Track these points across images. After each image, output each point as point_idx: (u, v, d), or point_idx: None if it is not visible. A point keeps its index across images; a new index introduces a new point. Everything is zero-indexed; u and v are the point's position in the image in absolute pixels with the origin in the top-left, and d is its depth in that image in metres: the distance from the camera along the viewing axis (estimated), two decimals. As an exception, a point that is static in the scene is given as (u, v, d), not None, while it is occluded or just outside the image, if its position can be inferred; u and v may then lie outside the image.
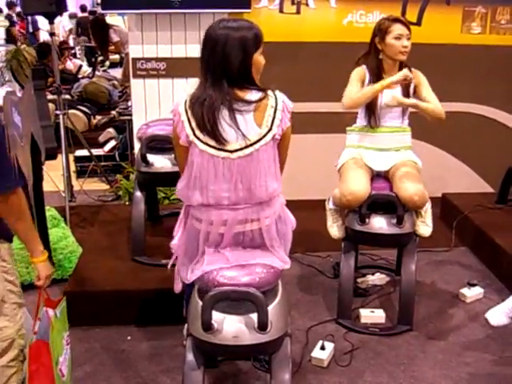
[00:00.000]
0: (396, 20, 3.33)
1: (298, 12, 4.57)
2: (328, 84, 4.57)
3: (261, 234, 2.40)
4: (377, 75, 3.35)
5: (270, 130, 2.29)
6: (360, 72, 3.40)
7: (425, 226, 3.39)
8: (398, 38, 3.27)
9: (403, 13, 4.62)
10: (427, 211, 3.42)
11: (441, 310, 3.53)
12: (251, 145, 2.28)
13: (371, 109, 3.37)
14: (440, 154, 5.07)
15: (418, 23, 4.67)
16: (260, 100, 2.28)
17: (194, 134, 2.28)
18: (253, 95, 2.29)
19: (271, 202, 2.39)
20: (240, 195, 2.33)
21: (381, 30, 3.33)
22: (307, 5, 4.56)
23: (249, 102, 2.27)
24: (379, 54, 3.37)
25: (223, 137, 2.26)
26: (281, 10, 4.55)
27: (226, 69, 2.25)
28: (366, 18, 4.59)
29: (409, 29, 3.31)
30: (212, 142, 2.27)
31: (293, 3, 4.55)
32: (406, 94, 3.38)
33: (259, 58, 2.32)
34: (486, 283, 3.79)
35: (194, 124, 2.28)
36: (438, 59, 4.62)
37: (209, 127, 2.25)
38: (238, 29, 2.27)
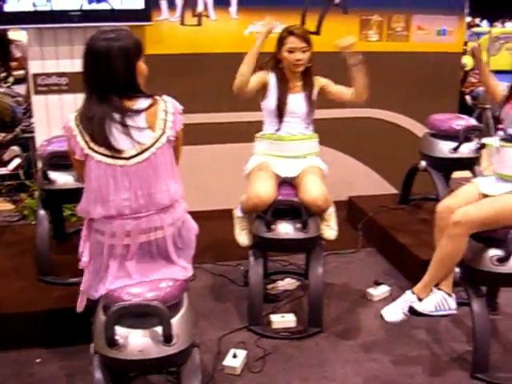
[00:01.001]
0: (291, 33, 3.39)
1: (200, 24, 4.59)
2: (232, 94, 4.63)
3: (165, 242, 2.40)
4: (282, 83, 3.43)
5: (163, 132, 2.31)
6: (261, 75, 3.47)
7: (330, 230, 3.48)
8: (291, 51, 3.36)
9: (302, 22, 4.73)
10: (331, 215, 3.52)
11: (349, 310, 3.63)
12: (147, 149, 2.29)
13: (277, 116, 3.44)
14: (346, 159, 5.21)
15: (317, 32, 4.80)
16: (150, 106, 2.31)
17: (89, 147, 2.27)
18: (142, 103, 2.31)
19: (174, 207, 2.41)
20: (141, 202, 2.33)
21: (279, 41, 3.42)
22: (208, 16, 4.59)
23: (139, 111, 2.28)
24: (280, 63, 3.45)
25: (118, 147, 2.26)
26: (182, 23, 4.56)
27: (112, 81, 2.26)
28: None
29: (306, 41, 3.38)
30: (108, 152, 2.27)
31: (194, 15, 4.57)
32: (309, 101, 3.47)
33: (143, 66, 2.35)
34: (392, 281, 3.92)
35: (87, 137, 2.27)
36: (338, 67, 4.74)
37: (102, 140, 2.25)
38: (119, 39, 2.28)
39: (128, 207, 2.32)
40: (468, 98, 7.84)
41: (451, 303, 3.03)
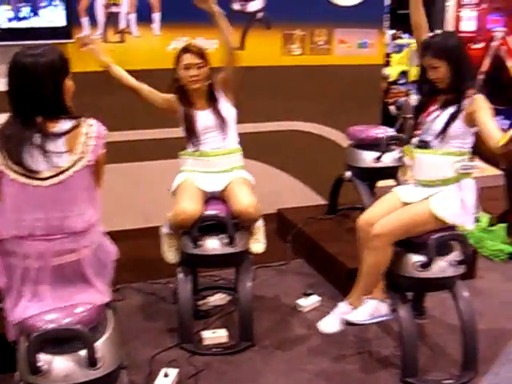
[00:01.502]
0: (186, 50, 3.43)
1: (123, 41, 4.55)
2: (155, 111, 4.61)
3: (80, 265, 2.35)
4: (188, 103, 3.46)
5: (82, 156, 2.28)
6: (168, 98, 3.53)
7: (257, 243, 3.50)
8: (187, 67, 3.39)
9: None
10: (260, 228, 3.54)
11: (280, 322, 3.64)
12: (63, 171, 2.25)
13: (190, 134, 3.45)
14: (273, 172, 5.25)
15: (241, 47, 4.83)
16: (72, 129, 2.27)
17: (5, 164, 2.22)
18: (65, 125, 2.27)
19: (89, 231, 2.36)
20: (54, 224, 2.28)
21: (176, 60, 3.45)
22: (131, 33, 4.55)
23: (60, 134, 2.24)
24: (179, 82, 3.47)
25: (34, 168, 2.22)
26: (104, 40, 4.50)
27: (39, 98, 2.22)
28: (189, 44, 4.67)
29: (201, 57, 3.39)
30: (23, 171, 2.22)
31: (116, 32, 4.52)
32: (218, 115, 3.47)
33: (70, 83, 2.31)
34: (322, 291, 3.96)
35: (3, 155, 2.22)
36: (263, 81, 4.80)
37: (17, 159, 2.20)
38: (45, 54, 2.25)
39: (40, 228, 2.27)
40: (392, 108, 8.03)
41: (384, 309, 3.10)
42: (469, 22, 7.97)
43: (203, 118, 3.46)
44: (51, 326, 2.19)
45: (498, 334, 3.52)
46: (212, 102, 3.50)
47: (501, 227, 4.81)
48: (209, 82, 3.46)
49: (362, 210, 4.71)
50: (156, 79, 4.57)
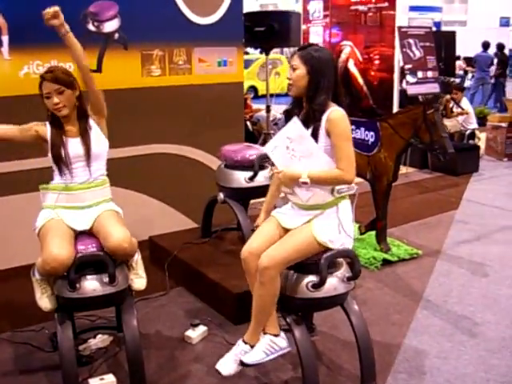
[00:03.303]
0: (42, 78, 3.16)
1: (-32, 67, 4.14)
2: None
3: None
4: (57, 129, 3.20)
5: None
6: (34, 127, 3.22)
7: (139, 279, 3.28)
8: (48, 97, 3.13)
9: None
10: (138, 262, 3.32)
11: (171, 359, 3.45)
12: None
13: (58, 162, 3.17)
14: (140, 197, 5.05)
15: (99, 70, 4.60)
16: None
17: None
18: None
19: None
20: None
21: (39, 89, 3.17)
22: (-23, 58, 4.15)
23: None
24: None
25: None
26: None
27: None
28: (43, 69, 4.34)
29: (59, 82, 3.12)
30: None
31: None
32: (88, 145, 3.23)
33: None
34: (208, 320, 3.82)
35: None
36: (124, 104, 4.59)
37: None
38: None
39: None
40: (249, 123, 8.12)
41: (281, 342, 3.02)
42: (316, 37, 8.24)
43: (73, 145, 3.19)
44: None
45: (387, 341, 3.59)
46: (82, 129, 3.24)
47: (370, 235, 4.96)
48: (76, 106, 3.21)
49: (237, 229, 4.70)
50: (8, 107, 4.24)
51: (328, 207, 2.95)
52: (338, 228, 2.95)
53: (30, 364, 3.40)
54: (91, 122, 3.27)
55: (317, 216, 2.95)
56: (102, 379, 3.15)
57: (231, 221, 4.81)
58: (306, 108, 2.96)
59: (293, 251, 2.89)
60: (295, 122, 2.88)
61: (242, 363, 2.96)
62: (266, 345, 2.99)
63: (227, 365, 3.00)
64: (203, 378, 3.24)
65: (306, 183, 2.86)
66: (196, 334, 3.62)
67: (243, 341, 3.02)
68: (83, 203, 3.24)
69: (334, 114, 2.88)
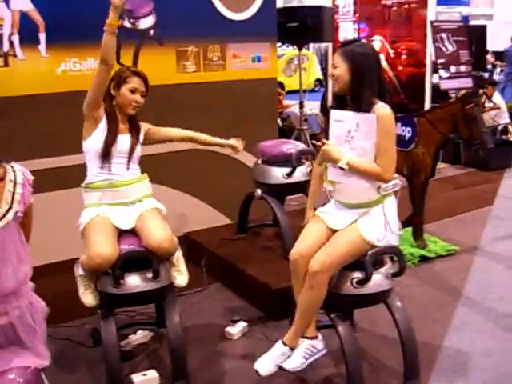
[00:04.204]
0: (136, 73, 3.24)
1: (7, 64, 4.15)
2: (53, 137, 4.27)
3: (13, 328, 2.05)
4: (113, 122, 3.21)
5: (10, 207, 1.98)
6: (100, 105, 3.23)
7: (181, 276, 3.29)
8: (133, 91, 3.19)
9: (118, 57, 4.51)
10: (179, 259, 3.33)
11: (212, 354, 3.46)
12: None
13: (104, 155, 3.18)
14: (175, 194, 5.05)
15: (135, 66, 4.60)
16: None
17: None
18: None
19: (20, 290, 2.07)
20: None
21: (119, 78, 3.22)
22: (16, 56, 4.16)
23: None
24: (113, 101, 3.23)
25: None
26: (-14, 64, 4.10)
27: None
28: (80, 66, 4.37)
29: (146, 87, 3.25)
30: None
31: None
32: (135, 143, 3.30)
33: None
34: (248, 315, 3.82)
35: None
36: (158, 100, 4.56)
37: None
38: None
39: None
40: (279, 120, 8.06)
41: (318, 345, 3.01)
42: (346, 32, 8.22)
43: (121, 141, 3.23)
44: None
45: (429, 338, 3.55)
46: (134, 128, 3.30)
47: (407, 231, 4.91)
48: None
49: (273, 226, 4.68)
50: (45, 104, 4.27)
51: (374, 205, 2.92)
52: (384, 226, 2.92)
53: (71, 360, 3.43)
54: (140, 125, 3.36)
55: (362, 215, 2.93)
56: (144, 375, 3.17)
57: (266, 217, 4.81)
58: (350, 105, 2.93)
59: (343, 254, 2.86)
60: (373, 119, 2.82)
61: (281, 368, 2.95)
62: (305, 349, 2.97)
63: (265, 365, 2.98)
64: (245, 374, 3.23)
65: (343, 169, 2.83)
66: (236, 329, 3.62)
67: (283, 342, 3.00)
68: (127, 199, 3.27)
69: (381, 110, 2.84)
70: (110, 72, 3.11)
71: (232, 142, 3.76)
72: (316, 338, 3.02)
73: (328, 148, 2.90)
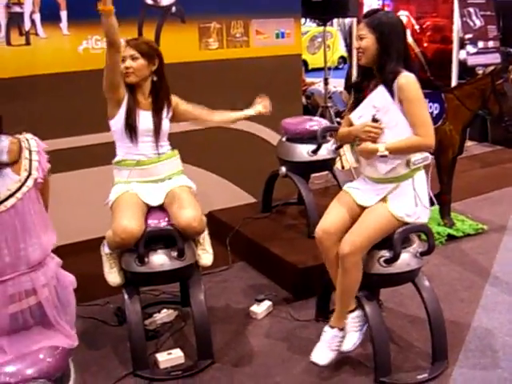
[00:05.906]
0: (127, 42, 3.16)
1: (28, 43, 4.12)
2: (77, 116, 4.25)
3: (41, 308, 2.04)
4: (131, 97, 3.17)
5: (29, 174, 1.96)
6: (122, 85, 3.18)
7: (206, 254, 3.28)
8: (123, 60, 3.11)
9: (139, 34, 4.47)
10: (205, 238, 3.31)
11: (237, 334, 3.43)
12: (12, 194, 1.93)
13: (130, 131, 3.14)
14: (199, 172, 5.00)
15: (156, 44, 4.55)
16: (11, 145, 1.96)
17: None
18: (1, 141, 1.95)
19: (46, 263, 2.05)
20: (6, 261, 1.97)
21: None
22: (37, 34, 4.13)
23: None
24: None
25: None
26: (8, 43, 4.06)
27: None
28: (102, 44, 4.32)
29: (136, 49, 3.12)
30: None
31: (21, 34, 4.09)
32: (158, 119, 3.23)
33: None
34: (273, 295, 3.78)
35: None
36: (181, 78, 4.52)
37: None
38: None
39: None
40: (303, 97, 7.97)
41: (361, 313, 2.99)
42: (370, 8, 8.05)
43: (143, 119, 3.17)
44: (14, 380, 1.86)
45: (457, 318, 3.49)
46: (156, 103, 3.22)
47: (434, 210, 4.82)
48: (148, 79, 3.19)
49: (297, 204, 4.64)
50: (67, 82, 4.24)
51: (403, 179, 2.85)
52: (414, 200, 2.85)
53: (96, 338, 3.42)
54: (166, 103, 3.27)
55: (392, 191, 2.86)
56: (169, 353, 3.15)
57: (290, 195, 4.77)
58: (378, 77, 2.85)
59: (372, 233, 2.80)
60: (381, 91, 2.77)
61: (343, 352, 2.97)
62: (353, 323, 2.95)
63: (323, 354, 2.96)
64: (271, 353, 3.21)
65: (385, 156, 2.76)
66: (261, 309, 3.59)
67: (330, 326, 2.97)
68: (155, 177, 3.25)
69: (404, 78, 2.76)
70: (119, 53, 3.03)
71: (259, 108, 3.69)
72: (357, 308, 2.99)
73: (361, 146, 2.84)
